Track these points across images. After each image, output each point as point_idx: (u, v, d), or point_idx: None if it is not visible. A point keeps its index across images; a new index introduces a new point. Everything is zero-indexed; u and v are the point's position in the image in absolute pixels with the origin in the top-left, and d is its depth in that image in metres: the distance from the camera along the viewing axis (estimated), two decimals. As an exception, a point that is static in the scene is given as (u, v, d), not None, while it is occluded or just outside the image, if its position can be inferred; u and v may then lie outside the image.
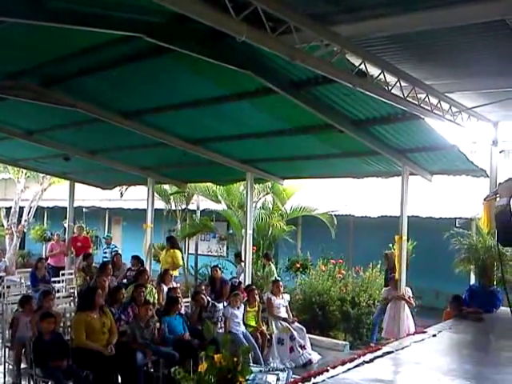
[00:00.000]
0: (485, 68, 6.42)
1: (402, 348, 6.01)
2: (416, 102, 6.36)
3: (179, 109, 7.89)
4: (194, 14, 4.02)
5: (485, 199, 3.28)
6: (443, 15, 4.62)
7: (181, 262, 10.30)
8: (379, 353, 5.68)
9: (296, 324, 8.48)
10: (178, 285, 9.67)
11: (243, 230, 10.67)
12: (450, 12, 4.56)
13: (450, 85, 6.97)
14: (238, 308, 7.94)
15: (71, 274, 11.74)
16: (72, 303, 9.12)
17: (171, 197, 14.42)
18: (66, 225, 14.34)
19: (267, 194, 12.60)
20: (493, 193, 3.14)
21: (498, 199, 3.05)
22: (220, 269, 10.29)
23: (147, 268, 10.69)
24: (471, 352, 6.30)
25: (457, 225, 10.58)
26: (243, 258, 10.40)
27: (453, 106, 7.30)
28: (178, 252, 10.56)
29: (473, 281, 9.27)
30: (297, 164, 9.96)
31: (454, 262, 8.72)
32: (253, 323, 8.30)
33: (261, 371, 7.27)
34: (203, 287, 8.96)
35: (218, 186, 12.80)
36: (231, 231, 13.82)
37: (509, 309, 6.97)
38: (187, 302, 8.69)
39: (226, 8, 4.09)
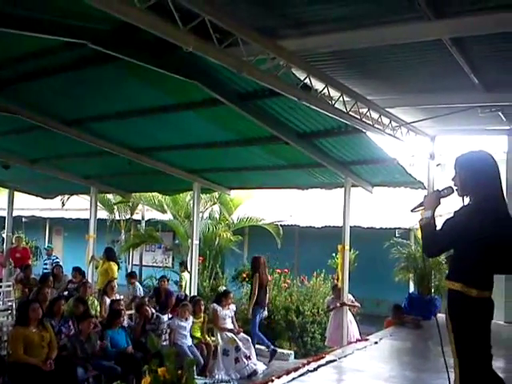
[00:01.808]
0: (422, 85, 6.72)
1: (345, 356, 6.15)
2: (358, 117, 6.57)
3: (124, 117, 7.77)
4: (140, 23, 3.98)
5: (411, 211, 3.41)
6: (384, 33, 4.82)
7: (115, 275, 10.08)
8: (323, 361, 5.79)
9: (242, 335, 8.46)
10: (122, 297, 9.45)
11: (189, 241, 10.59)
12: (391, 30, 4.76)
13: (390, 100, 7.25)
14: (186, 320, 7.85)
15: (9, 286, 11.22)
16: (10, 317, 8.72)
17: (115, 206, 14.12)
18: (4, 235, 13.72)
19: (214, 204, 12.58)
20: (418, 205, 3.25)
21: (423, 211, 3.16)
22: (167, 280, 10.19)
23: (89, 280, 10.41)
24: (411, 359, 6.52)
25: (396, 235, 10.94)
26: (189, 268, 10.31)
27: (393, 121, 7.58)
28: (113, 264, 10.33)
29: (412, 289, 9.61)
30: (243, 175, 10.02)
31: (394, 270, 9.03)
32: (198, 335, 8.21)
33: (206, 383, 7.22)
34: (147, 299, 8.79)
35: (163, 196, 12.66)
36: (177, 242, 13.67)
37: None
38: (131, 314, 8.51)
39: (173, 18, 4.08)
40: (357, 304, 8.66)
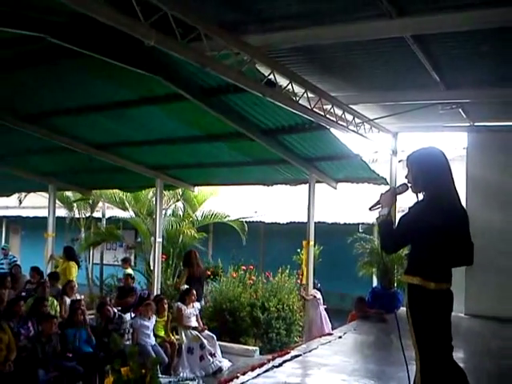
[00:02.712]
0: (384, 82, 6.82)
1: (310, 351, 6.18)
2: (322, 113, 6.60)
3: (84, 112, 7.58)
4: (100, 16, 3.86)
5: (370, 209, 3.46)
6: (347, 30, 4.85)
7: (73, 275, 9.87)
8: (288, 356, 5.81)
9: (206, 332, 8.41)
10: (83, 296, 9.24)
11: (152, 238, 10.44)
12: (354, 27, 4.80)
13: (353, 97, 7.32)
14: (149, 319, 7.74)
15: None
16: (-36, 320, 8.39)
17: (74, 204, 13.78)
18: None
19: (177, 200, 12.43)
20: (376, 203, 3.30)
21: (380, 209, 3.22)
22: (133, 278, 10.03)
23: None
24: (374, 352, 6.61)
25: (360, 230, 11.09)
26: (152, 267, 10.17)
27: (356, 117, 7.66)
28: (72, 264, 10.09)
29: (375, 283, 9.76)
30: (208, 171, 9.95)
31: (358, 265, 9.15)
32: (162, 333, 8.12)
33: (170, 382, 7.14)
34: (108, 299, 8.64)
35: (125, 193, 12.43)
36: (139, 239, 13.46)
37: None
38: (92, 314, 8.33)
39: (134, 12, 3.99)
40: (309, 298, 8.69)
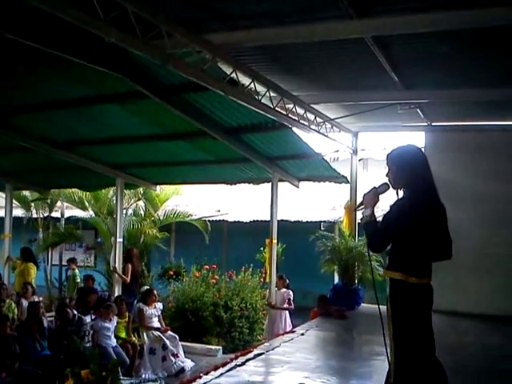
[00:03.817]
0: (345, 82, 6.91)
1: (273, 349, 6.21)
2: (284, 112, 6.64)
3: (42, 109, 7.37)
4: (58, 11, 3.77)
5: (355, 210, 3.51)
6: (309, 30, 4.89)
7: (31, 277, 9.63)
8: (251, 355, 5.82)
9: (169, 333, 8.35)
10: (41, 298, 9.01)
11: (113, 238, 10.27)
12: (315, 28, 4.84)
13: (314, 96, 7.39)
14: (110, 320, 7.61)
15: None
16: None
17: (32, 204, 13.41)
18: None
19: (139, 199, 12.26)
20: (359, 203, 3.35)
21: (363, 210, 3.26)
22: (93, 279, 9.88)
23: (5, 282, 9.84)
24: (336, 348, 6.70)
25: (322, 228, 11.21)
26: (113, 267, 10.00)
27: (318, 117, 7.74)
28: (30, 265, 9.84)
29: (337, 280, 9.89)
30: (170, 170, 9.85)
31: (320, 262, 9.24)
32: (123, 335, 8.01)
33: (132, 383, 7.05)
34: (67, 300, 8.46)
35: (84, 192, 12.18)
36: (99, 240, 13.22)
37: (369, 305, 7.60)
38: (51, 316, 8.13)
39: (93, 8, 3.90)
40: (288, 306, 8.75)
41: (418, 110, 7.87)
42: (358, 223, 9.91)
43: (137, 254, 10.26)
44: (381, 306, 3.21)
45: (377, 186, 3.28)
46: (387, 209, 3.20)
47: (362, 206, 3.28)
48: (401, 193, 3.25)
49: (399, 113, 7.72)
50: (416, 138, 11.11)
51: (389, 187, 3.28)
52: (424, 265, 3.16)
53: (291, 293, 8.82)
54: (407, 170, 3.20)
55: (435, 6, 4.41)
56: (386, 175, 3.32)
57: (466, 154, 8.44)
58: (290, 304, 8.75)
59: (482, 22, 4.57)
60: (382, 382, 4.98)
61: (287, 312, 8.73)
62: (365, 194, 3.30)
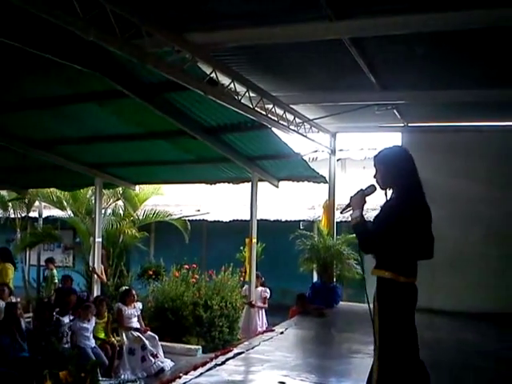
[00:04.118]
0: (323, 83, 6.98)
1: (252, 348, 6.25)
2: (264, 112, 6.68)
3: (18, 108, 7.27)
4: (36, 9, 3.74)
5: (341, 213, 3.58)
6: (288, 31, 4.93)
7: (9, 277, 9.50)
8: (230, 354, 5.85)
9: (148, 333, 8.31)
10: (19, 299, 8.89)
11: (91, 238, 10.19)
12: (295, 29, 4.89)
13: (294, 97, 7.45)
14: (89, 321, 7.56)
15: None
16: None
17: (9, 203, 13.21)
18: None
19: (118, 199, 12.17)
20: (346, 205, 3.38)
21: (351, 211, 3.30)
22: (72, 280, 9.77)
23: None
24: (315, 346, 6.77)
25: (301, 227, 11.29)
26: (92, 268, 9.93)
27: (297, 117, 7.80)
28: (8, 266, 9.70)
29: (315, 279, 9.98)
30: (149, 169, 9.80)
31: (299, 261, 9.31)
32: (102, 335, 7.96)
33: (111, 384, 7.02)
34: (45, 300, 8.37)
35: (63, 192, 12.04)
36: (78, 240, 13.09)
37: (347, 303, 7.70)
38: (29, 316, 8.03)
39: (72, 6, 3.88)
40: (261, 305, 8.82)
41: (395, 110, 7.99)
42: (337, 222, 10.04)
43: (105, 255, 10.34)
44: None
45: (363, 188, 3.32)
46: (377, 210, 3.25)
47: (350, 208, 3.31)
48: (389, 193, 3.31)
49: (376, 114, 7.83)
50: (393, 139, 11.31)
51: (375, 189, 3.32)
52: (412, 264, 3.23)
53: (268, 291, 8.88)
54: (395, 170, 3.25)
55: (411, 9, 4.49)
56: (374, 176, 3.37)
57: (442, 154, 8.60)
58: (264, 302, 8.82)
59: (456, 25, 4.68)
60: (361, 379, 5.08)
61: (263, 310, 8.80)
62: (351, 197, 3.32)
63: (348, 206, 3.34)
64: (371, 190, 3.32)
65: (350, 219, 3.30)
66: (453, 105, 7.87)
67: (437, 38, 5.19)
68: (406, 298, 3.18)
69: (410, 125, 9.10)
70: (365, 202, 3.28)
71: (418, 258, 3.26)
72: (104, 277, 9.80)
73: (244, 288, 9.38)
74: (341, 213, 3.55)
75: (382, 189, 3.34)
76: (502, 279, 8.23)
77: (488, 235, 8.36)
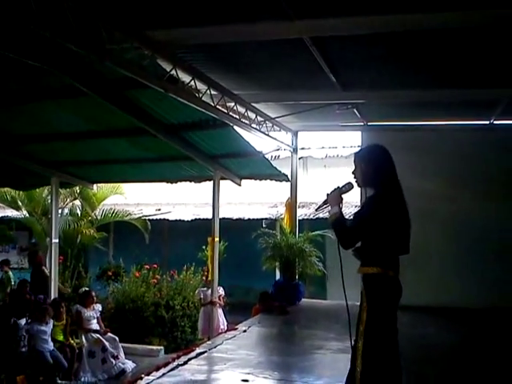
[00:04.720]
0: (284, 81, 7.01)
1: (215, 347, 6.22)
2: (225, 111, 6.65)
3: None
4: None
5: (316, 210, 3.62)
6: (249, 29, 4.93)
7: None
8: (193, 354, 5.80)
9: (109, 334, 8.18)
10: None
11: (48, 239, 9.92)
12: (255, 27, 4.89)
13: (255, 95, 7.45)
14: (47, 324, 7.37)
15: None
16: None
17: (-40, 204, 12.72)
18: None
19: (75, 199, 11.92)
20: (323, 202, 3.43)
21: (329, 208, 3.36)
22: (28, 283, 9.45)
23: None
24: (278, 344, 6.79)
25: (263, 225, 11.33)
26: (48, 269, 9.66)
27: (258, 116, 7.82)
28: None
29: (278, 276, 10.04)
30: (108, 168, 9.61)
31: (262, 259, 9.35)
32: (60, 338, 7.79)
33: (71, 388, 6.88)
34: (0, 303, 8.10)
35: (17, 192, 11.68)
36: (34, 241, 12.73)
37: (309, 300, 7.77)
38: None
39: (28, 2, 3.75)
40: (221, 302, 8.82)
41: (355, 110, 8.11)
42: (299, 220, 10.13)
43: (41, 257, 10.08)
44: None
45: (340, 186, 3.37)
46: (358, 206, 3.30)
47: (326, 205, 3.36)
48: (369, 191, 3.37)
49: (337, 113, 7.92)
50: (353, 137, 11.50)
51: (352, 186, 3.38)
52: (396, 259, 3.32)
53: (221, 289, 8.87)
54: (376, 168, 3.33)
55: (370, 10, 4.56)
56: (353, 173, 3.42)
57: (400, 152, 8.54)
58: (220, 300, 8.83)
59: (412, 26, 4.79)
60: (323, 375, 5.14)
61: (221, 309, 8.81)
62: (328, 194, 3.37)
63: (325, 202, 3.39)
64: (348, 187, 3.38)
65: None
66: (410, 104, 8.07)
67: (395, 39, 5.28)
68: (394, 291, 3.30)
69: (369, 124, 9.27)
70: (342, 199, 3.34)
71: (398, 253, 3.35)
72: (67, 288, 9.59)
73: (197, 291, 9.32)
74: (316, 210, 3.61)
75: (360, 186, 3.41)
76: (459, 275, 8.50)
77: (445, 232, 8.62)
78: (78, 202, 12.08)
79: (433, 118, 9.04)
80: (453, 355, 5.88)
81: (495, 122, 8.82)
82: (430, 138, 8.90)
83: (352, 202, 8.69)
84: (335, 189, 3.38)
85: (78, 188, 11.33)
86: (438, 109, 8.31)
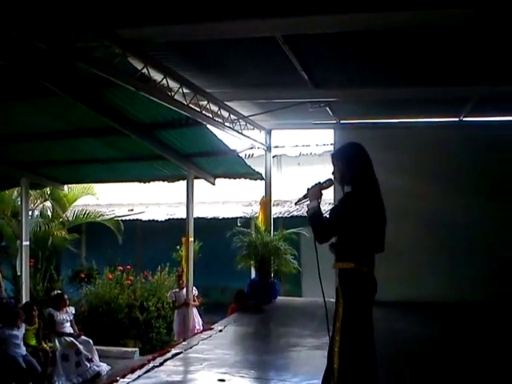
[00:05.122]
0: (257, 80, 7.00)
1: (191, 347, 6.19)
2: (198, 109, 6.61)
3: None
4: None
5: (296, 204, 3.66)
6: (220, 27, 4.90)
7: None
8: (169, 355, 5.76)
9: (82, 337, 8.08)
10: None
11: (18, 242, 9.71)
12: (227, 25, 4.87)
13: (228, 94, 7.43)
14: (18, 328, 7.22)
15: None
16: None
17: None
18: None
19: (45, 200, 11.70)
20: (303, 196, 3.47)
21: (308, 202, 3.40)
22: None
23: None
24: (254, 342, 6.81)
25: (238, 224, 11.32)
26: (19, 272, 9.46)
27: (232, 114, 7.80)
28: None
29: (254, 275, 10.05)
30: (79, 168, 9.46)
31: (237, 258, 9.34)
32: (33, 342, 7.65)
33: (44, 393, 6.76)
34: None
35: (-15, 194, 11.40)
36: (4, 243, 12.44)
37: (285, 297, 7.79)
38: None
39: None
40: (196, 303, 8.77)
41: (328, 108, 8.17)
42: (274, 218, 10.15)
43: None
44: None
45: (321, 181, 3.42)
46: (334, 203, 3.34)
47: (306, 199, 3.41)
48: (346, 189, 3.41)
49: (310, 111, 7.96)
50: (326, 135, 11.58)
51: (333, 183, 3.44)
52: (371, 256, 3.38)
53: (195, 289, 8.84)
54: (354, 167, 3.39)
55: (340, 8, 4.58)
56: (332, 173, 3.47)
57: (372, 149, 8.70)
58: (195, 301, 8.79)
59: (384, 25, 4.84)
60: (300, 372, 5.17)
61: (195, 309, 8.77)
62: (309, 188, 3.42)
63: (305, 196, 3.43)
64: (328, 183, 3.43)
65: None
66: (382, 102, 8.16)
67: (365, 38, 5.33)
68: (368, 287, 3.35)
69: (342, 122, 9.34)
70: (321, 194, 3.39)
71: (373, 250, 3.40)
72: None
73: (169, 294, 9.25)
74: (296, 203, 3.66)
75: (339, 184, 3.46)
76: (431, 270, 8.64)
77: (417, 228, 8.75)
78: (48, 204, 11.88)
79: (404, 116, 9.17)
80: (426, 349, 5.97)
81: (465, 119, 8.99)
82: (401, 136, 9.02)
83: (327, 200, 8.76)
84: (316, 184, 3.43)
85: (48, 189, 11.13)
86: (409, 106, 8.42)
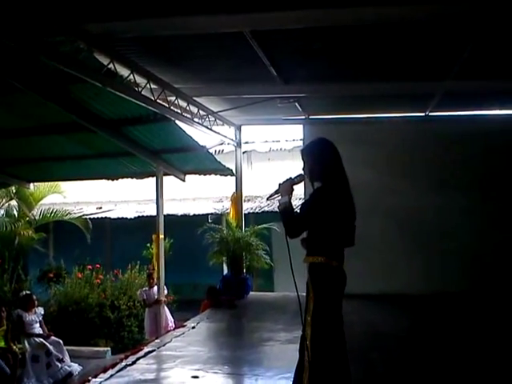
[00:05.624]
0: (226, 75, 6.97)
1: (164, 345, 6.16)
2: (166, 105, 6.55)
3: None
4: None
5: (267, 199, 3.69)
6: (187, 22, 4.86)
7: None
8: (141, 353, 5.72)
9: (52, 338, 7.95)
10: None
11: (-17, 242, 9.48)
12: (194, 20, 4.82)
13: (197, 89, 7.38)
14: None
15: None
16: None
17: None
18: None
19: (11, 199, 11.45)
20: (274, 192, 3.48)
21: (280, 197, 3.40)
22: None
23: None
24: (227, 338, 6.81)
25: (209, 220, 11.29)
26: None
27: (201, 110, 7.75)
28: None
29: (226, 271, 10.04)
30: (45, 166, 9.29)
31: (208, 254, 9.31)
32: (2, 344, 7.49)
33: (13, 396, 6.63)
34: None
35: None
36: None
37: (257, 293, 7.78)
38: None
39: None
40: (164, 299, 8.68)
41: (297, 103, 8.19)
42: (245, 214, 10.15)
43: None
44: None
45: (293, 177, 3.43)
46: (305, 198, 3.35)
47: (277, 195, 3.42)
48: (316, 184, 3.43)
49: (279, 106, 7.98)
50: (295, 131, 11.63)
51: (304, 178, 3.46)
52: (340, 250, 3.41)
53: (165, 287, 8.78)
54: (323, 162, 3.41)
55: (307, 4, 4.60)
56: (302, 169, 3.49)
57: (342, 144, 8.75)
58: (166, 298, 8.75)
59: (351, 21, 4.88)
60: (273, 366, 5.20)
61: (166, 307, 8.72)
62: (280, 183, 3.42)
63: (276, 192, 3.44)
64: (300, 178, 3.45)
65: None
66: (350, 97, 8.23)
67: (331, 34, 5.36)
68: (338, 280, 3.38)
69: (311, 117, 9.39)
70: (293, 189, 3.40)
71: (342, 244, 3.43)
72: None
73: (138, 292, 9.17)
74: (267, 198, 3.67)
75: (310, 180, 3.48)
76: (403, 264, 8.79)
77: (387, 222, 8.88)
78: (14, 203, 11.65)
79: (372, 111, 9.27)
80: (399, 341, 6.07)
81: (430, 114, 9.15)
82: (369, 131, 9.12)
83: (298, 195, 8.81)
84: (287, 179, 3.44)
85: (13, 188, 10.89)
86: (377, 102, 8.52)
